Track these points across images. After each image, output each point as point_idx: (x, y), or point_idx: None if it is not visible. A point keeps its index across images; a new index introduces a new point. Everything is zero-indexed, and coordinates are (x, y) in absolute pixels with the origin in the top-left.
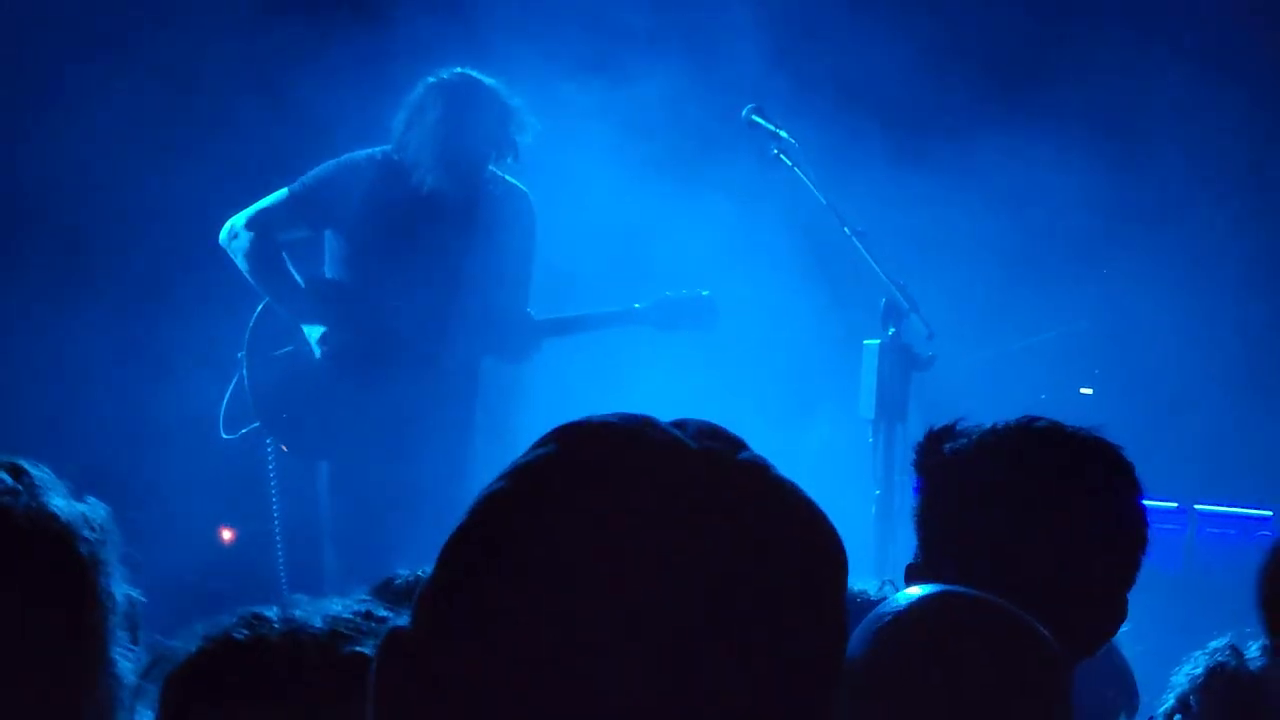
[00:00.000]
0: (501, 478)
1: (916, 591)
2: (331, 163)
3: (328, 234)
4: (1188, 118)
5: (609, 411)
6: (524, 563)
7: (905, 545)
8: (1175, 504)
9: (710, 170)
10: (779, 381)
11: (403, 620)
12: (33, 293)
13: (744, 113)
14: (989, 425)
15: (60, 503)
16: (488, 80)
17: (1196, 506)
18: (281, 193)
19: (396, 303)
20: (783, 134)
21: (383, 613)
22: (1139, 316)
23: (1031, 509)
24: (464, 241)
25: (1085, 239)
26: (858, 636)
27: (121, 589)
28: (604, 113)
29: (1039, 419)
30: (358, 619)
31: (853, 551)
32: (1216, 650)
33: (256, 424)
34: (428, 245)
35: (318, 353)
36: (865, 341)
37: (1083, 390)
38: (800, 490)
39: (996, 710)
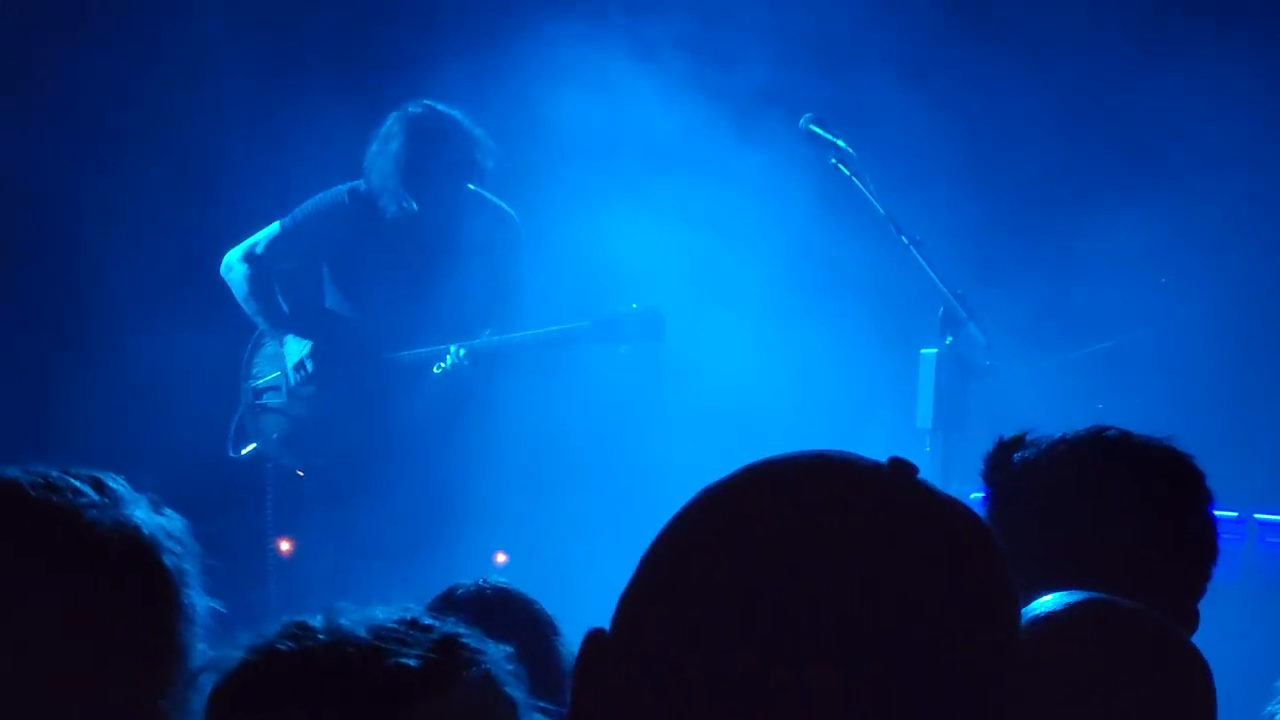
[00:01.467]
0: (697, 496)
1: (1052, 600)
2: (317, 197)
3: (322, 264)
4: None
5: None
6: (711, 580)
7: None
8: (1235, 513)
9: (765, 176)
10: (835, 391)
11: (448, 627)
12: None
13: (801, 122)
14: (1058, 435)
15: (143, 515)
16: (450, 111)
17: (1256, 516)
18: (274, 227)
19: (372, 321)
20: (840, 143)
21: (428, 621)
22: (1198, 324)
23: (1104, 519)
24: (435, 260)
25: (1144, 245)
26: None
27: (203, 601)
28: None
29: (1109, 428)
30: (403, 628)
31: None
32: None
33: (255, 444)
34: (401, 267)
35: (292, 380)
36: (922, 351)
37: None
38: (963, 504)
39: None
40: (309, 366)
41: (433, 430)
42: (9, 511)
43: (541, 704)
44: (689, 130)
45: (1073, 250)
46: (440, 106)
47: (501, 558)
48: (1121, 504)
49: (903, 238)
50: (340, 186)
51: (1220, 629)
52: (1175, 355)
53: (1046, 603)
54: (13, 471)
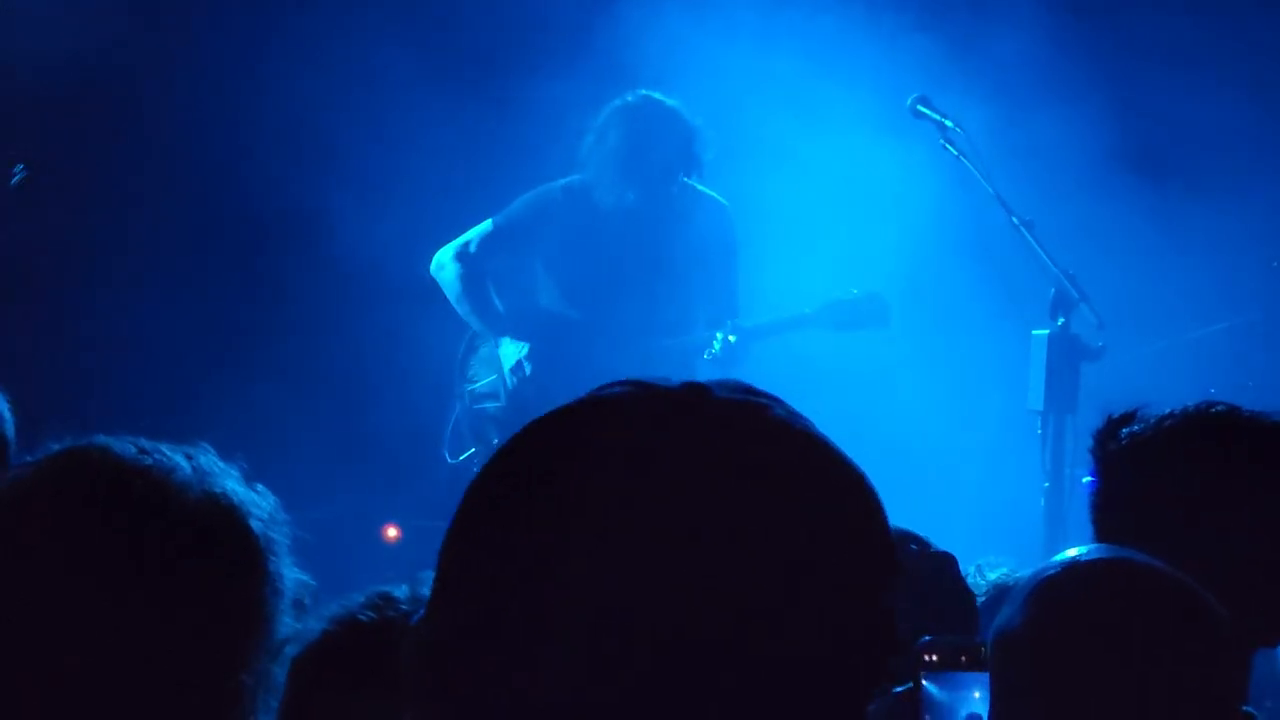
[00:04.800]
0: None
1: (1076, 552)
2: (531, 193)
3: (536, 262)
4: None
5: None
6: (499, 544)
7: (1075, 538)
8: None
9: (869, 162)
10: (947, 374)
11: None
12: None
13: (909, 102)
14: (1166, 411)
15: (233, 485)
16: (668, 101)
17: None
18: (486, 224)
19: (590, 319)
20: (948, 123)
21: None
22: None
23: (1213, 494)
24: (655, 256)
25: (1260, 228)
26: (1014, 594)
27: (293, 573)
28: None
29: (1216, 403)
30: None
31: (1021, 544)
32: None
33: (473, 449)
34: (618, 264)
35: (510, 383)
36: (1034, 332)
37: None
38: (803, 421)
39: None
40: (527, 369)
41: None
42: (97, 473)
43: None
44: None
45: (1186, 231)
46: (658, 96)
47: (393, 532)
48: (1229, 480)
49: (1013, 218)
50: (554, 182)
51: None
52: None
53: (1061, 557)
54: (102, 438)
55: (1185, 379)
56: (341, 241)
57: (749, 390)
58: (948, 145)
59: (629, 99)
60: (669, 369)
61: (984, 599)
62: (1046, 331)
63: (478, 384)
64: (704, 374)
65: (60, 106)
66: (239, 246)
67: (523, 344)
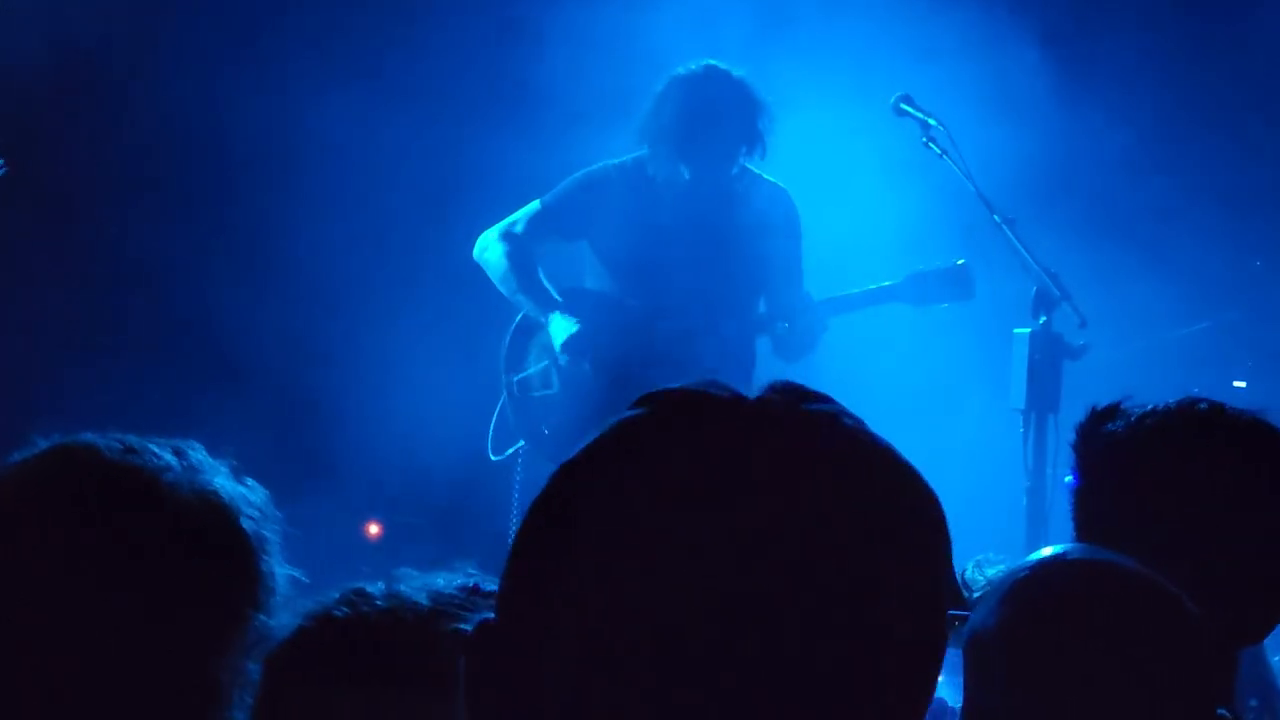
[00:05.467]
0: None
1: (1050, 551)
2: (581, 173)
3: (584, 244)
4: None
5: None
6: (572, 550)
7: (1057, 537)
8: None
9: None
10: (928, 371)
11: None
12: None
13: (892, 100)
14: (1149, 407)
15: (222, 482)
16: (735, 72)
17: None
18: (534, 205)
19: (648, 303)
20: (931, 121)
21: (490, 588)
22: None
23: (1194, 492)
24: (712, 236)
25: (1236, 229)
26: (988, 595)
27: (284, 569)
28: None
29: (1200, 400)
30: (463, 595)
31: (1003, 543)
32: None
33: (521, 443)
34: (675, 243)
35: (561, 360)
36: (1016, 330)
37: (1236, 383)
38: (883, 443)
39: (1135, 674)
40: (581, 351)
41: None
42: (84, 472)
43: None
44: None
45: (1167, 231)
46: (723, 66)
47: (374, 529)
48: (1212, 478)
49: (995, 216)
50: (606, 160)
51: None
52: (1271, 337)
53: (1033, 557)
54: (89, 436)
55: (1167, 378)
56: (319, 231)
57: (821, 398)
58: (930, 144)
59: (692, 68)
60: (730, 352)
61: (978, 595)
62: (1028, 330)
63: (527, 372)
64: (765, 357)
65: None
66: (219, 243)
67: (574, 325)
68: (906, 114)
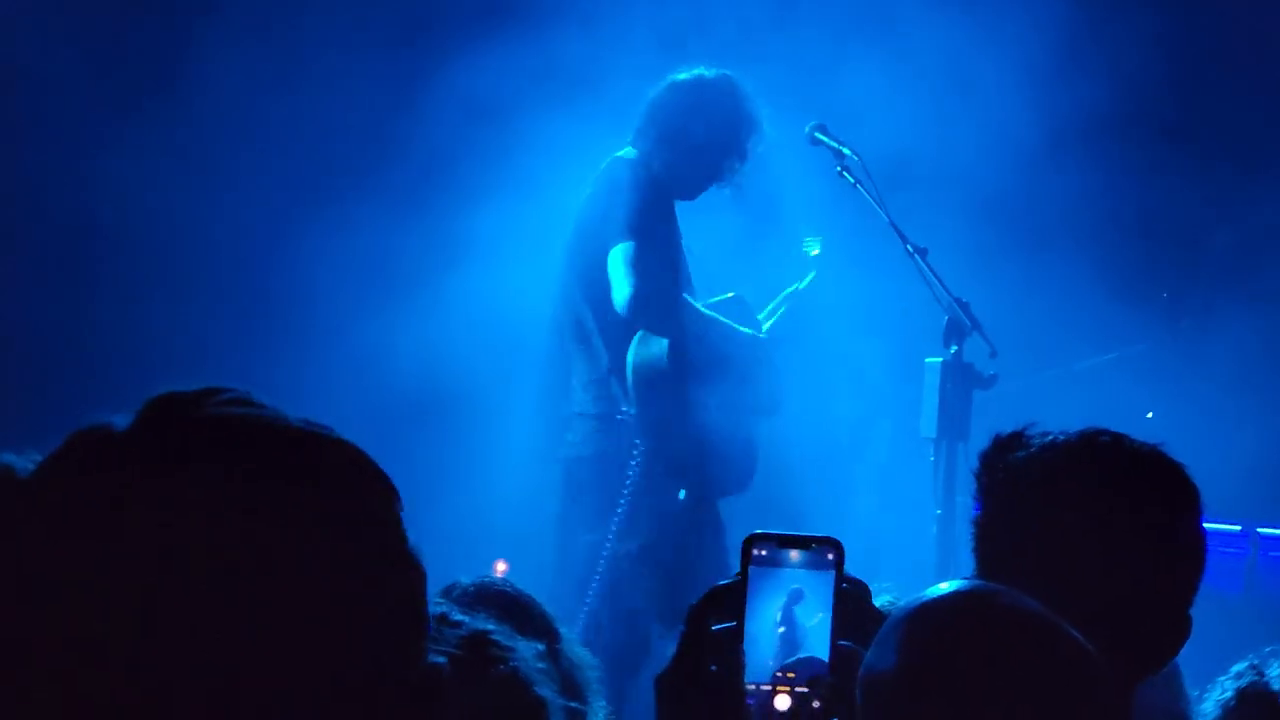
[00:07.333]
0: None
1: (943, 588)
2: (634, 193)
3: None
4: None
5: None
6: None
7: (967, 567)
8: (1239, 527)
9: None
10: (839, 399)
11: (478, 624)
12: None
13: (806, 130)
14: (1050, 436)
15: None
16: (744, 88)
17: (1259, 530)
18: (631, 246)
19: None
20: (846, 151)
21: (459, 617)
22: (1199, 338)
23: (1092, 524)
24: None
25: (1143, 261)
26: (883, 633)
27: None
28: None
29: (1103, 432)
30: (432, 625)
31: (913, 571)
32: (1240, 673)
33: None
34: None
35: (640, 388)
36: (927, 360)
37: (1148, 415)
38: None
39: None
40: (667, 367)
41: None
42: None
43: (572, 704)
44: None
45: (1074, 264)
46: (738, 79)
47: (501, 566)
48: (1109, 509)
49: (907, 246)
50: (633, 164)
51: (1222, 642)
52: (1178, 369)
53: (923, 594)
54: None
55: (1077, 408)
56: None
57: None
58: (844, 173)
59: (706, 74)
60: (754, 356)
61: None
62: (940, 359)
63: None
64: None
65: None
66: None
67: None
68: (821, 143)
